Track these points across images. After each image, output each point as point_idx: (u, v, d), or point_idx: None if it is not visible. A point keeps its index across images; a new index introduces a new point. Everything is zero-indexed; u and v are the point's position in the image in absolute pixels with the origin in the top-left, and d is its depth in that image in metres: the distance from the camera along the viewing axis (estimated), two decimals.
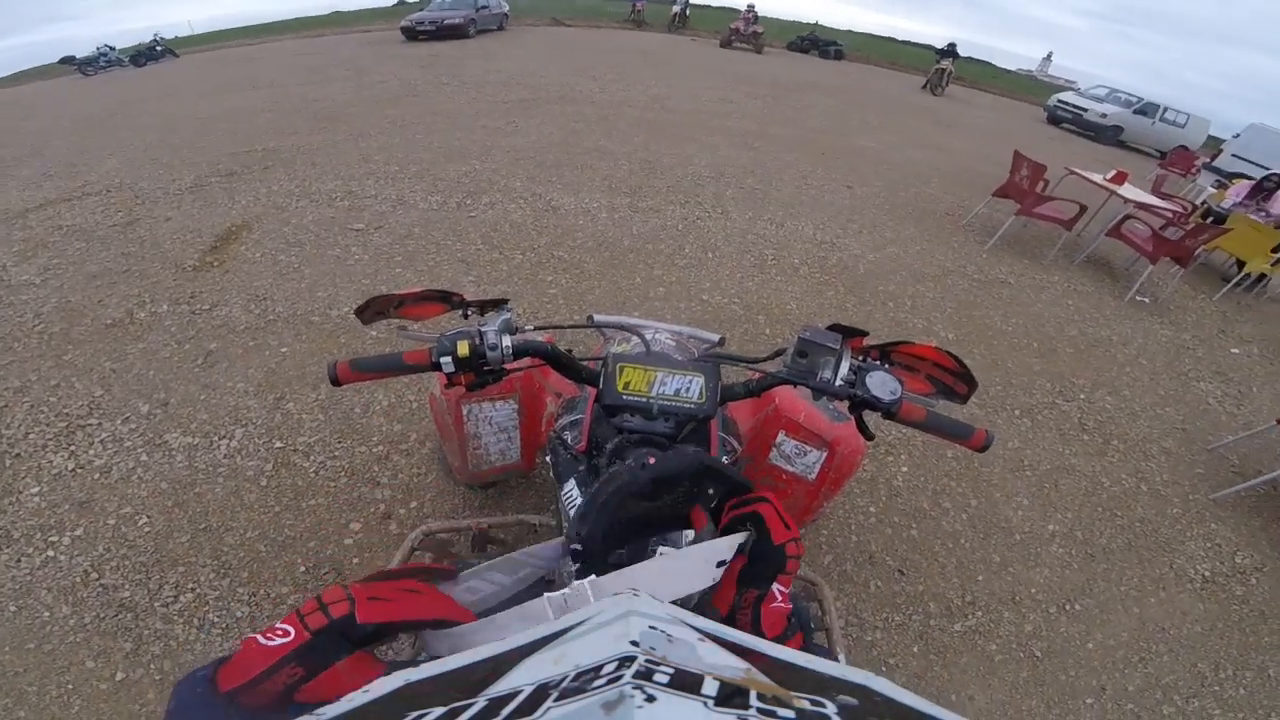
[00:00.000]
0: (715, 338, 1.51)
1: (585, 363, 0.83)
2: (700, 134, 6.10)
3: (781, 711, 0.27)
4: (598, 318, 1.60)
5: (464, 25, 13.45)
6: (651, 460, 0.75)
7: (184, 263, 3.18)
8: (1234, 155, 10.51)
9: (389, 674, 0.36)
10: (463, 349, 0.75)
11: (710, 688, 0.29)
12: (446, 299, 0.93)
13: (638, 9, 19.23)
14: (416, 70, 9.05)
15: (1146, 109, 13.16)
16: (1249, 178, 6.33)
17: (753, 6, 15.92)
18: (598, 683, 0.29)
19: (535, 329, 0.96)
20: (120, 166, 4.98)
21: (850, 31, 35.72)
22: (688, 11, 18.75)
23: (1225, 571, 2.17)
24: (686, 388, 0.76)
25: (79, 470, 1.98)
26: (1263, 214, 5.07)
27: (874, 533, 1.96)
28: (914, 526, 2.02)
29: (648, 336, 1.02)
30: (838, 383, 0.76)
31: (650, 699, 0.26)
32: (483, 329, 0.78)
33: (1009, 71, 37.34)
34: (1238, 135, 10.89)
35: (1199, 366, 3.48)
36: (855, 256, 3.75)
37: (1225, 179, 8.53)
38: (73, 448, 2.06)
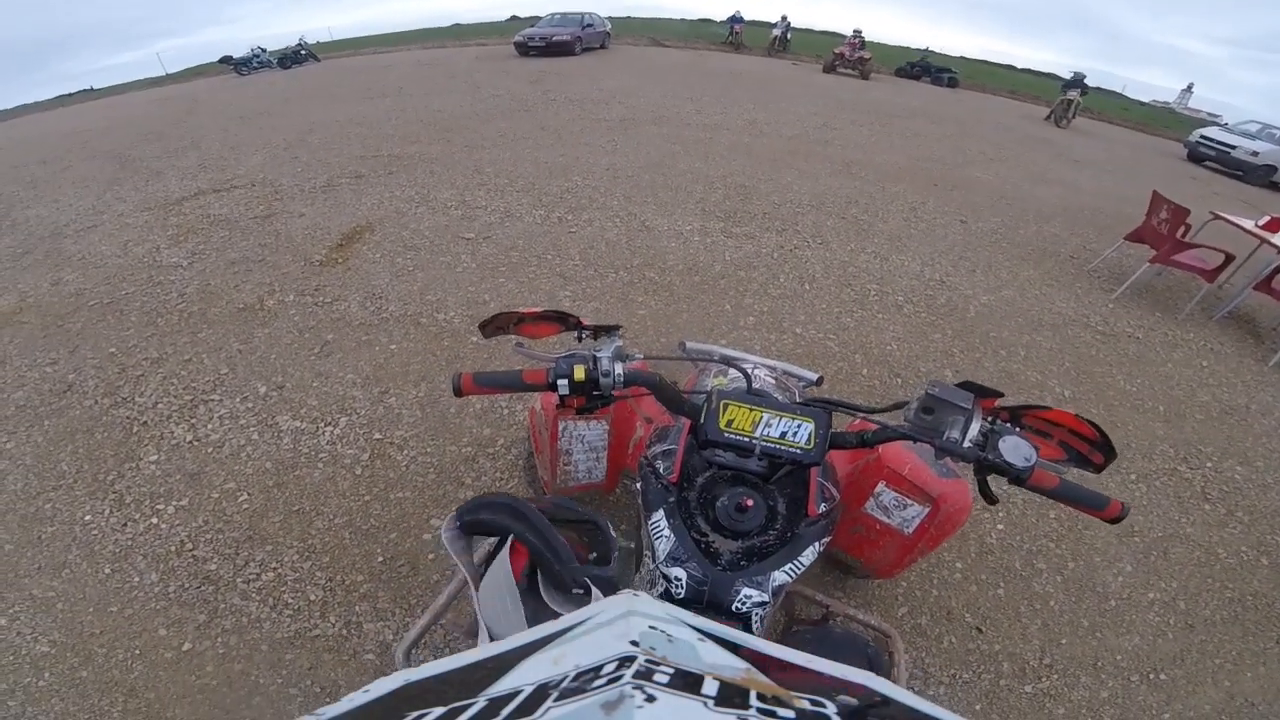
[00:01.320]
0: (813, 376, 1.46)
1: (685, 394, 0.84)
2: (800, 161, 5.99)
3: (781, 711, 0.27)
4: (689, 345, 1.60)
5: (571, 43, 14.26)
6: (749, 503, 0.76)
7: (312, 257, 3.53)
8: None
9: (389, 674, 0.37)
10: (579, 373, 0.77)
11: (710, 688, 0.29)
12: (564, 320, 0.96)
13: (736, 31, 19.30)
14: (526, 85, 9.62)
15: None
16: None
17: (859, 32, 15.50)
18: (598, 683, 0.30)
19: (645, 358, 0.98)
20: (264, 163, 5.64)
21: (964, 59, 33.92)
22: (789, 35, 18.56)
23: None
24: (794, 432, 0.74)
25: (196, 443, 2.17)
26: None
27: (957, 589, 1.86)
28: (1001, 585, 1.92)
29: (749, 371, 1.01)
30: (966, 444, 0.72)
31: (650, 699, 0.27)
32: (597, 354, 0.81)
33: (1143, 104, 33.86)
34: None
35: None
36: (966, 297, 3.51)
37: None
38: (194, 420, 2.28)
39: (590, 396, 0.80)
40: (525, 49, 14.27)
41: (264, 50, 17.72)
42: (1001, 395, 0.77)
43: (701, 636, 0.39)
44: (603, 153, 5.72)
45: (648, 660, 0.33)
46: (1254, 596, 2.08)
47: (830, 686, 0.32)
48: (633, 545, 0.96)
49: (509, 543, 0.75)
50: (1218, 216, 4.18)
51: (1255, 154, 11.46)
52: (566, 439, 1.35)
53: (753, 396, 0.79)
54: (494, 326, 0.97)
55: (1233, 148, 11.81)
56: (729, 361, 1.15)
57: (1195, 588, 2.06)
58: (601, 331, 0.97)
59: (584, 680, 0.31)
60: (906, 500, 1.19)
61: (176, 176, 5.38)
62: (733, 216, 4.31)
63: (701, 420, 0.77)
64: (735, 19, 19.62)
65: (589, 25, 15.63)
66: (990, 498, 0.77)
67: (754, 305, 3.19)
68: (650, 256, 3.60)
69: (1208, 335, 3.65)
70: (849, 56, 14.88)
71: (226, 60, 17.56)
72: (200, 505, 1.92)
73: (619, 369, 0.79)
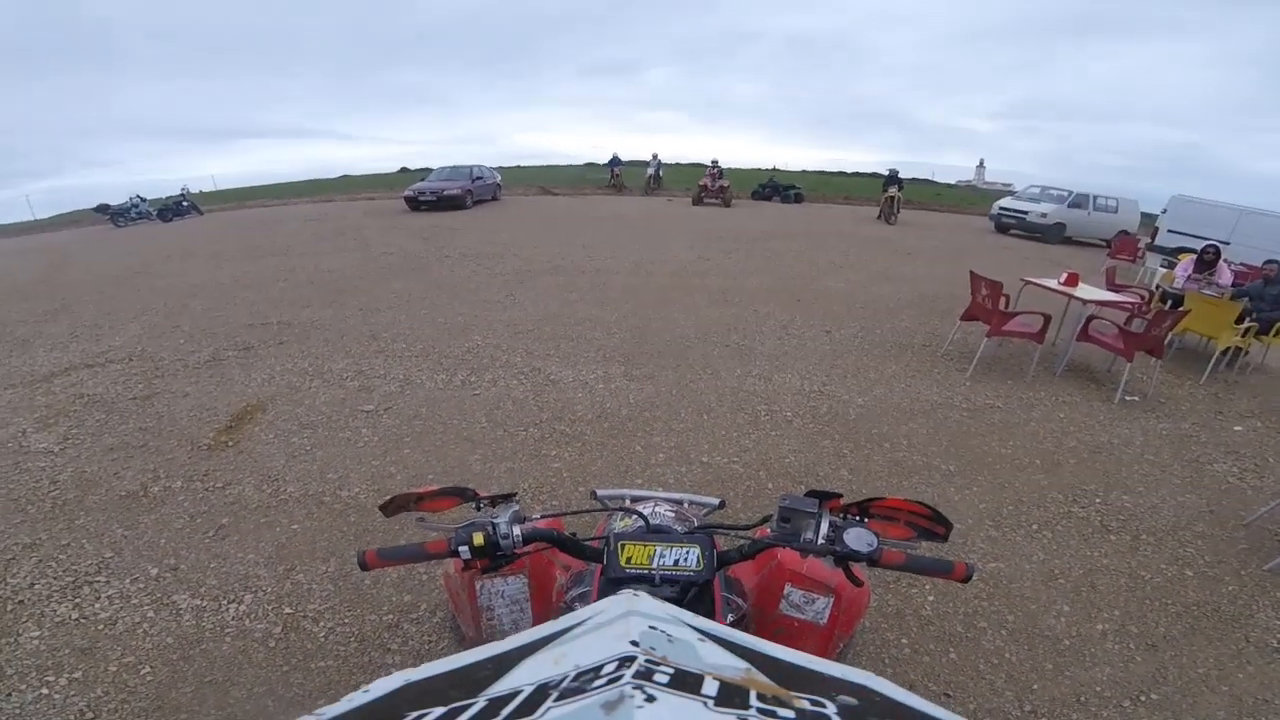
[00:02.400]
0: (715, 502, 1.60)
1: (589, 542, 0.93)
2: (682, 295, 6.56)
3: (781, 711, 0.27)
4: (600, 492, 1.68)
5: (462, 196, 14.69)
6: None
7: (199, 441, 3.31)
8: (1170, 230, 10.99)
9: (389, 674, 0.36)
10: (478, 539, 0.85)
11: (710, 688, 0.29)
12: (461, 493, 1.04)
13: (616, 174, 21.20)
14: (419, 242, 10.00)
15: (1079, 200, 14.02)
16: (1192, 251, 6.50)
17: (716, 162, 17.69)
18: (598, 683, 0.30)
19: (544, 515, 1.06)
20: (142, 333, 5.31)
21: (804, 172, 40.39)
22: (661, 173, 20.82)
23: None
24: (684, 558, 0.84)
25: (83, 620, 2.07)
26: (1213, 288, 5.30)
27: (910, 663, 1.92)
28: (951, 651, 1.99)
29: (646, 512, 1.12)
30: (819, 542, 0.85)
31: (650, 699, 0.26)
32: (495, 520, 0.89)
33: (951, 186, 41.53)
34: (1165, 210, 11.40)
35: (1207, 450, 3.57)
36: (844, 402, 3.90)
37: (1171, 257, 8.96)
38: (78, 600, 2.16)
39: (494, 558, 0.88)
40: (416, 204, 14.43)
41: (143, 199, 17.02)
42: (841, 495, 0.91)
43: (701, 636, 0.38)
44: (501, 308, 5.96)
45: (648, 660, 0.33)
46: (1198, 606, 2.28)
47: (830, 686, 0.32)
48: None
49: None
50: (1028, 282, 4.96)
51: (1045, 215, 13.78)
52: (485, 596, 1.38)
53: (649, 534, 0.90)
54: (394, 506, 1.03)
55: (1026, 213, 14.06)
56: (634, 504, 1.26)
57: (1138, 611, 2.22)
58: (499, 500, 1.06)
59: (584, 680, 0.31)
60: (813, 595, 1.30)
61: (45, 347, 4.93)
62: (631, 359, 4.58)
63: (605, 562, 0.85)
64: (615, 162, 21.63)
65: (479, 178, 16.21)
66: (855, 581, 0.87)
67: (662, 442, 3.33)
68: (558, 409, 3.70)
69: (1056, 389, 4.28)
70: (711, 187, 16.86)
71: (103, 209, 16.67)
72: (97, 677, 1.85)
73: (517, 530, 0.88)
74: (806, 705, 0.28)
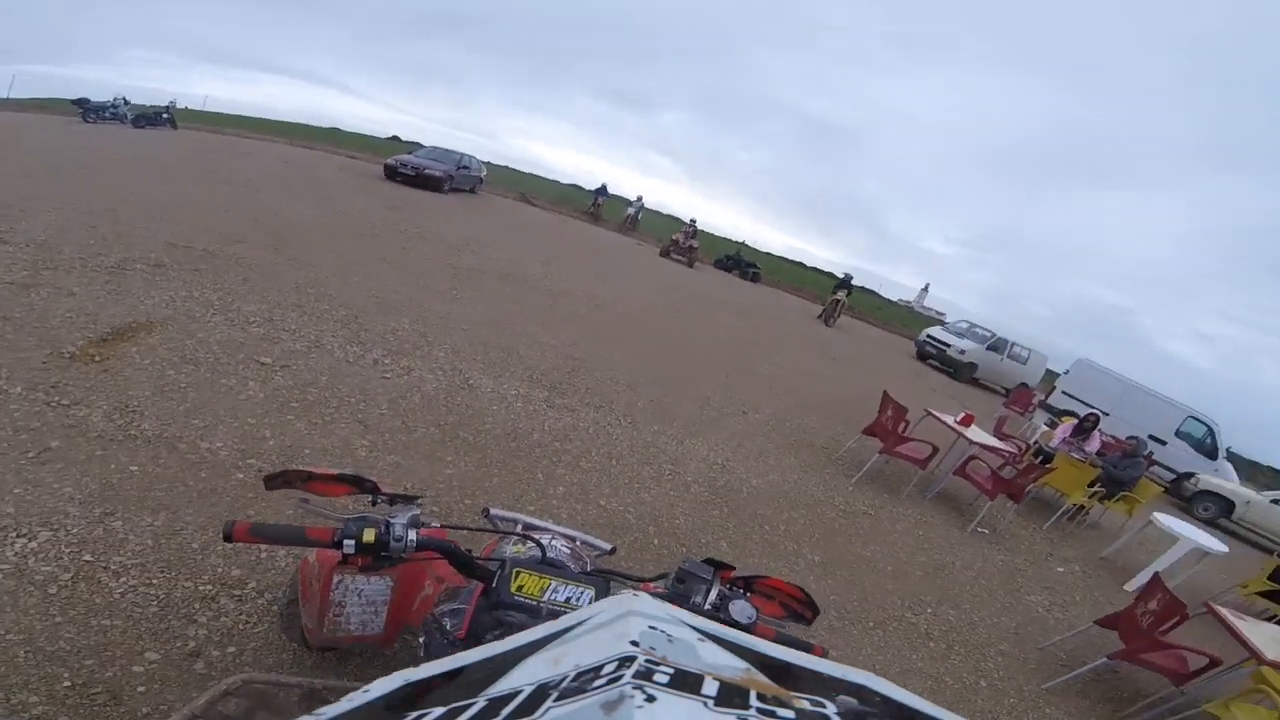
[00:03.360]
0: (608, 547, 1.61)
1: (479, 560, 0.90)
2: (626, 340, 6.66)
3: (781, 711, 0.27)
4: (493, 511, 1.64)
5: (441, 179, 14.51)
6: None
7: (64, 347, 2.96)
8: (1064, 392, 12.24)
9: (389, 674, 0.35)
10: (368, 536, 0.80)
11: (710, 688, 0.29)
12: (360, 484, 1.00)
13: (598, 203, 21.43)
14: (382, 211, 9.66)
15: (997, 345, 15.22)
16: (1076, 415, 7.38)
17: (694, 221, 18.32)
18: (598, 683, 0.29)
19: (441, 526, 1.03)
20: (54, 223, 4.76)
21: (770, 254, 42.71)
22: (640, 215, 21.34)
23: None
24: (578, 597, 0.83)
25: None
26: (1080, 453, 6.05)
27: None
28: None
29: (544, 542, 1.11)
30: (706, 606, 0.91)
31: (650, 699, 0.26)
32: (391, 520, 0.85)
33: (893, 303, 45.08)
34: (1067, 371, 12.72)
35: (1029, 583, 4.11)
36: (741, 480, 4.09)
37: (1056, 417, 10.05)
38: None
39: (377, 557, 0.83)
40: (394, 173, 14.26)
41: (126, 102, 16.39)
42: (735, 568, 0.99)
43: (701, 636, 0.38)
44: (441, 299, 5.81)
45: (648, 660, 0.32)
46: (981, 714, 2.62)
47: (830, 686, 0.32)
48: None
49: None
50: (929, 413, 5.47)
51: (963, 352, 14.74)
52: (340, 591, 1.31)
53: (545, 566, 0.89)
54: (281, 481, 0.97)
55: (948, 346, 14.96)
56: (529, 532, 1.23)
57: None
58: (399, 499, 1.01)
59: (584, 680, 0.30)
60: None
61: None
62: (558, 387, 4.58)
63: (494, 584, 0.84)
64: (601, 191, 21.83)
65: (464, 167, 16.10)
66: None
67: (565, 476, 3.33)
68: (468, 416, 3.62)
69: (923, 510, 4.70)
70: (682, 244, 17.43)
71: (81, 103, 16.00)
72: None
73: (412, 535, 0.84)
74: (806, 705, 0.28)
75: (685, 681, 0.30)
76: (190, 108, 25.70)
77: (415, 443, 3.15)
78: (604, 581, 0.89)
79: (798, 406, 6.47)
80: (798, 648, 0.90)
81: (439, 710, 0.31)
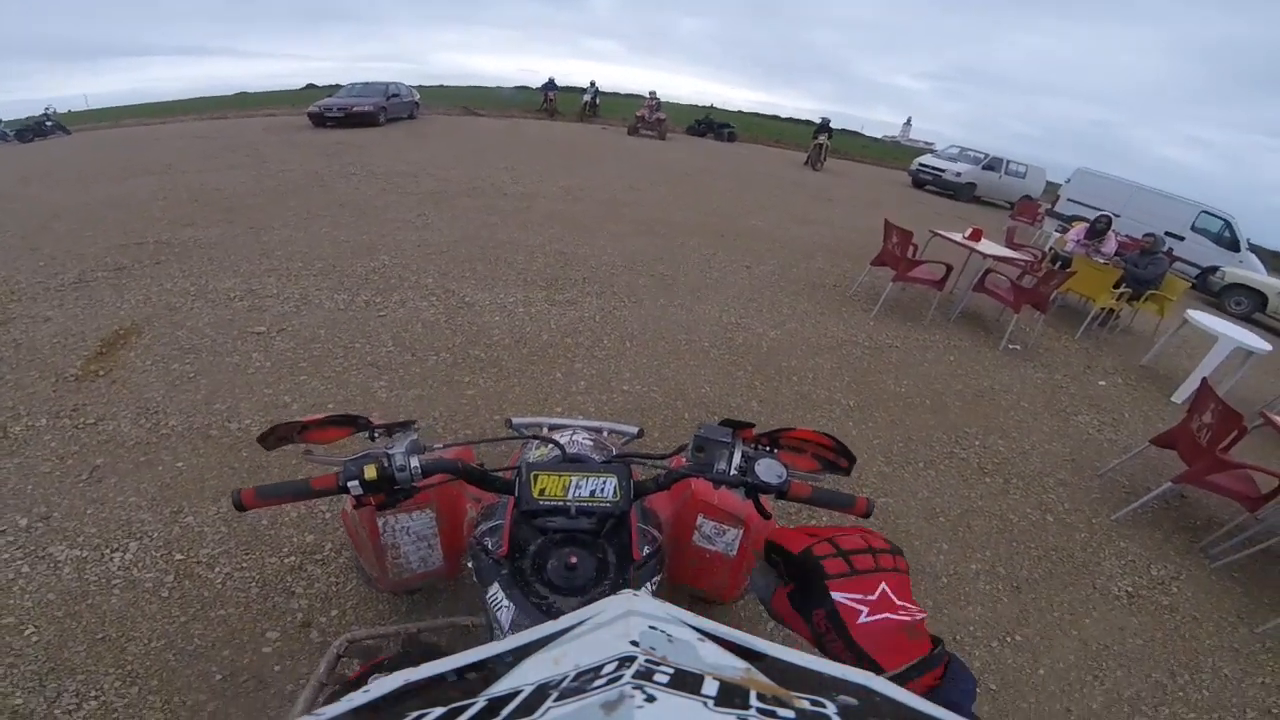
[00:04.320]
0: (634, 430, 1.58)
1: (500, 473, 0.86)
2: (611, 224, 6.43)
3: (781, 711, 0.27)
4: (515, 420, 1.61)
5: (374, 113, 13.57)
6: (574, 560, 0.81)
7: (65, 371, 2.92)
8: (1069, 199, 11.98)
9: (389, 674, 0.36)
10: (370, 472, 0.76)
11: (710, 688, 0.29)
12: (352, 422, 0.94)
13: (550, 99, 20.19)
14: (322, 160, 8.98)
15: (993, 164, 14.97)
16: (1085, 219, 7.12)
17: (654, 93, 17.23)
18: (598, 683, 0.30)
19: (450, 445, 0.98)
20: None
21: (741, 113, 39.91)
22: (598, 100, 19.99)
23: (1146, 585, 2.46)
24: (601, 488, 0.80)
25: None
26: (1098, 254, 5.86)
27: None
28: None
29: (563, 441, 1.07)
30: (732, 472, 0.85)
31: (650, 699, 0.27)
32: (390, 451, 0.81)
33: (877, 140, 42.92)
34: (1069, 180, 12.41)
35: (1074, 402, 3.97)
36: (759, 335, 4.05)
37: (1066, 223, 9.72)
38: None
39: (391, 492, 0.80)
40: (322, 119, 13.25)
41: (0, 121, 15.19)
42: (754, 425, 0.90)
43: (701, 636, 0.38)
44: (412, 228, 5.53)
45: (648, 660, 0.32)
46: (1056, 551, 2.54)
47: (830, 686, 0.32)
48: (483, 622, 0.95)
49: None
50: (935, 234, 5.31)
51: (959, 174, 14.60)
52: (390, 534, 1.31)
53: (564, 463, 0.84)
54: (275, 438, 0.92)
55: (943, 171, 14.84)
56: (551, 434, 1.19)
57: (1006, 553, 2.46)
58: (395, 428, 0.95)
59: (584, 680, 0.30)
60: (723, 526, 1.33)
61: None
62: (554, 284, 4.45)
63: (517, 493, 0.80)
64: (550, 86, 20.53)
65: (394, 95, 15.09)
66: (764, 513, 0.88)
67: (583, 370, 3.31)
68: (473, 333, 3.55)
69: (949, 334, 4.62)
70: (648, 119, 16.45)
71: None
72: None
73: (415, 462, 0.80)
74: (806, 705, 0.28)
75: (685, 681, 0.30)
76: (72, 110, 23.59)
77: (430, 371, 3.12)
78: (625, 467, 0.83)
79: (801, 253, 6.29)
80: (839, 504, 0.79)
81: (439, 710, 0.31)
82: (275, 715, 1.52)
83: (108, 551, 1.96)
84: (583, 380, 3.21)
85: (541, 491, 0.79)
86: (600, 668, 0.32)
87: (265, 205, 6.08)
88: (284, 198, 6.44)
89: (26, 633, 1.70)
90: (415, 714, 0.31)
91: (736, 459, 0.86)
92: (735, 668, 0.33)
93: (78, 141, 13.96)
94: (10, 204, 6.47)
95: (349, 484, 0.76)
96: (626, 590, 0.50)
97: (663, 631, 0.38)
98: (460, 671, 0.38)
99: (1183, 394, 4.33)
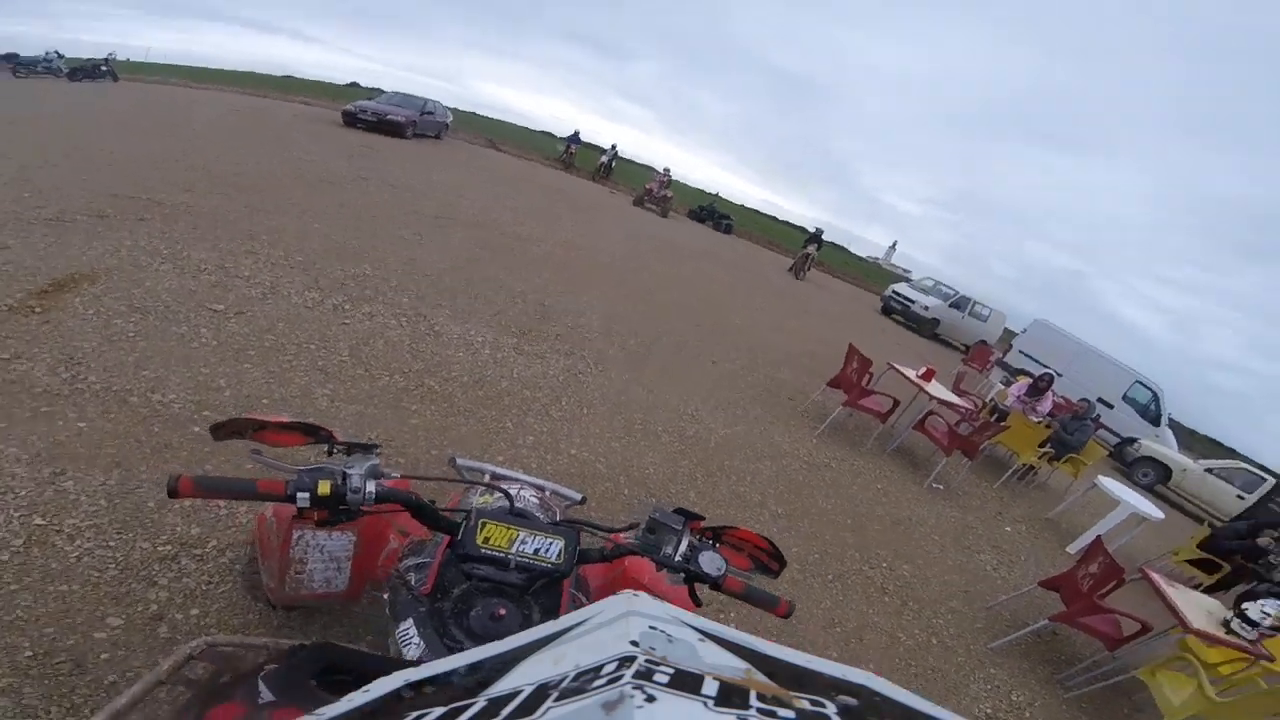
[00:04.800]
0: (578, 497, 1.60)
1: (444, 512, 0.87)
2: (597, 287, 6.59)
3: (781, 711, 0.27)
4: (460, 461, 1.61)
5: (404, 125, 13.90)
6: (502, 612, 0.80)
7: (1, 301, 2.78)
8: (1020, 351, 12.43)
9: (389, 674, 0.36)
10: (323, 488, 0.75)
11: (710, 688, 0.29)
12: (314, 433, 0.94)
13: (570, 151, 20.70)
14: (342, 159, 9.12)
15: (960, 303, 15.56)
16: (1030, 374, 7.46)
17: (668, 170, 17.91)
18: (598, 683, 0.30)
19: (402, 476, 0.98)
20: None
21: (743, 207, 42.34)
22: (614, 163, 20.74)
23: (1005, 708, 2.65)
24: (546, 549, 0.82)
25: None
26: (1034, 413, 6.21)
27: None
28: None
29: (512, 493, 1.07)
30: (677, 558, 0.90)
31: (650, 699, 0.27)
32: (347, 470, 0.80)
33: (861, 259, 45.73)
34: (1025, 330, 12.92)
35: (979, 541, 4.28)
36: (710, 430, 4.16)
37: (1012, 375, 10.33)
38: None
39: (335, 511, 0.79)
40: (354, 120, 13.55)
41: (59, 55, 15.57)
42: (704, 518, 0.98)
43: (701, 636, 0.38)
44: (405, 245, 5.59)
45: (648, 660, 0.32)
46: (933, 670, 2.72)
47: (830, 686, 0.32)
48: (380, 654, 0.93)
49: None
50: (892, 367, 5.56)
51: (926, 308, 15.17)
52: (301, 548, 1.28)
53: (512, 516, 0.86)
54: (228, 430, 0.91)
55: (913, 302, 15.35)
56: (496, 482, 1.21)
57: (889, 667, 2.61)
58: (357, 448, 0.96)
59: (584, 680, 0.30)
60: None
61: None
62: (527, 333, 4.52)
63: (460, 537, 0.81)
64: (574, 138, 21.06)
65: (429, 112, 15.48)
66: (696, 601, 0.92)
67: (535, 425, 3.32)
68: (433, 363, 3.55)
69: (882, 464, 4.85)
70: (655, 193, 17.12)
71: (9, 58, 15.29)
72: None
73: (371, 486, 0.79)
74: (806, 705, 0.28)
75: (685, 682, 0.30)
76: (131, 59, 24.13)
77: (379, 391, 3.08)
78: (573, 532, 0.86)
79: (766, 359, 6.56)
80: (765, 603, 0.89)
81: (439, 710, 0.31)
82: (80, 702, 1.38)
83: None
84: (531, 435, 3.22)
85: (486, 540, 0.81)
86: (600, 668, 0.32)
87: (269, 188, 6.10)
88: (291, 186, 6.48)
89: None
90: (415, 714, 0.31)
91: (683, 546, 0.92)
92: (735, 668, 0.33)
93: (123, 89, 14.16)
94: (27, 130, 6.45)
95: (299, 495, 0.75)
96: (627, 590, 0.51)
97: (663, 632, 0.38)
98: (460, 671, 0.38)
99: (1076, 546, 4.78)
